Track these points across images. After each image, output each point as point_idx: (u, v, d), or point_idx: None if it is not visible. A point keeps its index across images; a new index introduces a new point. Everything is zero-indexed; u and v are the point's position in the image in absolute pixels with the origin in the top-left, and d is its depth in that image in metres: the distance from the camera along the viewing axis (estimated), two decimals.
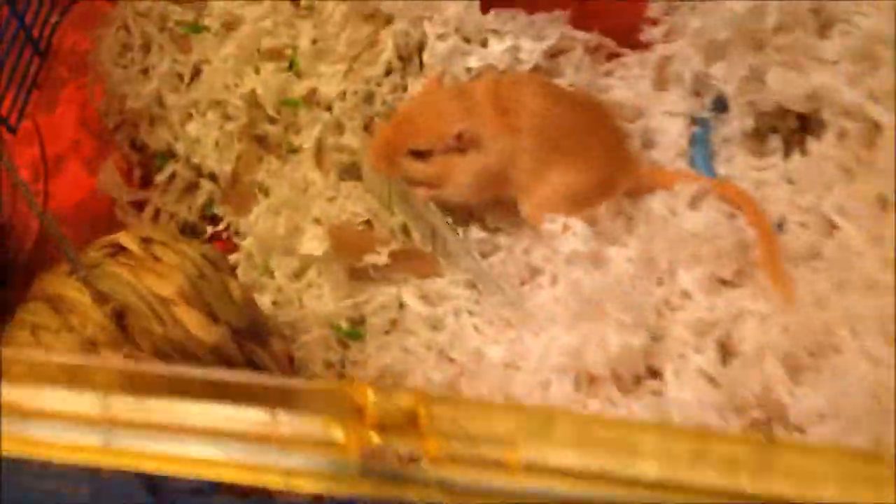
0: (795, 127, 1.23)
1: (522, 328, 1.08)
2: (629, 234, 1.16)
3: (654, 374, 1.07)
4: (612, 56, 1.30)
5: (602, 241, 1.15)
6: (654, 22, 1.26)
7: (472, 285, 1.17)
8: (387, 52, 1.24)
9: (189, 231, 1.29)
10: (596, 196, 1.15)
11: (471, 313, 1.14)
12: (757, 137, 1.23)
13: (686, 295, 1.09)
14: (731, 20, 1.14)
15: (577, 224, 1.12)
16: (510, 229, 1.22)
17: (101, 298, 0.90)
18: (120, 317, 0.91)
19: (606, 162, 1.15)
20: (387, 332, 1.18)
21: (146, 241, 0.97)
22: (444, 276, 1.18)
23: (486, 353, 1.11)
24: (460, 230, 1.19)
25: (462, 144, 1.11)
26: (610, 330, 1.04)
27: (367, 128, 1.23)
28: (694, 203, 1.14)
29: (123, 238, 0.97)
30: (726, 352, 1.05)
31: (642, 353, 1.05)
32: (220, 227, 1.31)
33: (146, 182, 1.33)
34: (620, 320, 1.05)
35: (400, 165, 1.14)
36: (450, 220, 1.18)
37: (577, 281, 1.09)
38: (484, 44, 1.24)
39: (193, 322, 0.92)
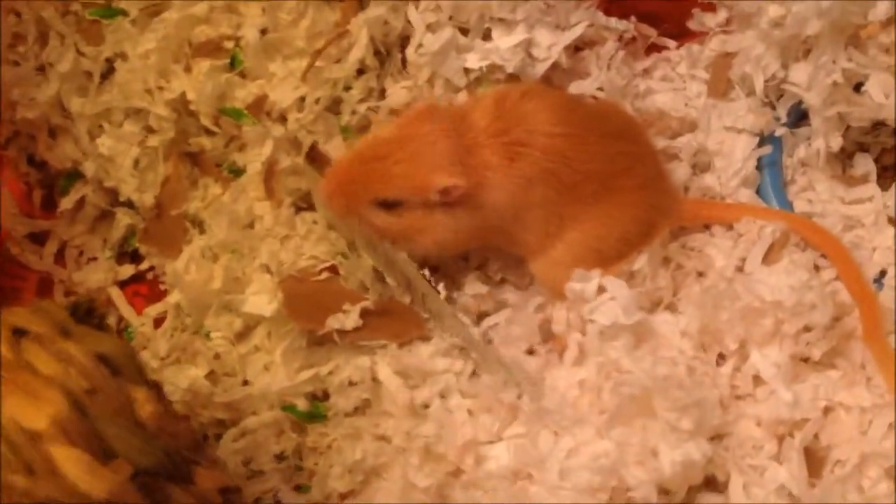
0: (891, 146, 0.94)
1: (536, 422, 0.79)
2: (681, 294, 0.87)
3: (715, 485, 0.83)
4: (653, 49, 1.03)
5: (644, 304, 0.86)
6: (711, 6, 0.96)
7: (465, 355, 0.90)
8: (359, 47, 0.94)
9: (103, 273, 1.04)
10: (626, 249, 0.88)
11: (463, 394, 0.88)
12: (844, 160, 0.94)
13: (759, 381, 0.84)
14: (822, 8, 0.84)
15: (615, 285, 0.82)
16: (519, 280, 0.94)
17: None
18: None
19: (640, 205, 0.88)
20: (356, 413, 0.92)
21: (18, 337, 0.68)
22: (431, 340, 0.92)
23: (487, 455, 0.82)
24: (447, 281, 0.91)
25: (447, 200, 0.83)
26: (659, 435, 0.78)
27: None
28: (768, 254, 0.85)
29: None
30: (814, 460, 0.82)
31: (702, 464, 0.77)
32: (144, 265, 1.05)
33: (48, 207, 1.06)
34: (674, 422, 0.76)
35: (361, 213, 0.86)
36: (426, 272, 0.90)
37: (614, 364, 0.80)
38: (487, 36, 0.95)
39: (74, 467, 0.62)
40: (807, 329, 0.82)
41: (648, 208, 0.88)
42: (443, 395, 0.89)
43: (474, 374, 0.91)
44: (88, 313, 0.76)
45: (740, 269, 0.88)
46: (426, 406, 0.89)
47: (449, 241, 0.87)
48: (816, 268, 0.88)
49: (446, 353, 0.91)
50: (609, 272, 0.86)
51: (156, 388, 0.83)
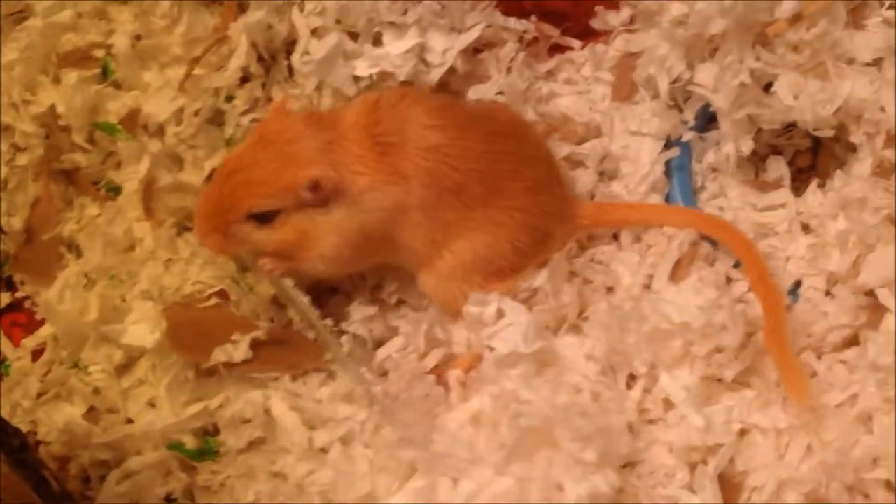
0: (805, 148, 0.90)
1: (432, 471, 0.74)
2: (588, 311, 0.83)
3: None
4: (557, 50, 0.97)
5: (549, 323, 0.81)
6: (615, 4, 0.92)
7: (370, 403, 0.83)
8: (240, 54, 0.87)
9: None
10: (522, 260, 0.83)
11: (365, 445, 0.81)
12: (757, 164, 0.90)
13: (670, 405, 0.79)
14: (726, 6, 0.79)
15: (514, 310, 0.77)
16: (416, 301, 0.88)
17: None
18: None
19: (530, 210, 0.82)
20: (250, 448, 0.85)
21: None
22: (330, 377, 0.85)
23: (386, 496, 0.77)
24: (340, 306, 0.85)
25: (320, 196, 0.77)
26: (563, 468, 0.73)
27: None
28: (676, 270, 0.80)
29: None
30: (729, 487, 0.77)
31: (611, 496, 0.72)
32: (21, 293, 0.97)
33: None
34: (577, 453, 0.71)
35: (238, 236, 0.79)
36: (307, 298, 0.84)
37: (511, 394, 0.75)
38: (378, 41, 0.88)
39: None
40: (718, 350, 0.77)
41: (540, 214, 0.83)
42: (344, 442, 0.82)
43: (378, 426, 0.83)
44: None
45: (648, 287, 0.83)
46: (324, 450, 0.83)
47: (335, 254, 0.80)
48: (728, 280, 0.84)
49: (348, 399, 0.84)
50: (504, 287, 0.81)
51: (20, 437, 0.77)
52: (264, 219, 0.78)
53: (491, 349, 0.78)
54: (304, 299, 0.83)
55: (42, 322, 0.95)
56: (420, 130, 0.78)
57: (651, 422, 0.79)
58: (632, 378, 0.80)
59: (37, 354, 0.93)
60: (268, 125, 0.79)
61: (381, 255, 0.83)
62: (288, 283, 0.82)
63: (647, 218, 0.86)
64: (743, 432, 0.78)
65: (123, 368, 0.88)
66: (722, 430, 0.76)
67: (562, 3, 0.94)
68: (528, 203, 0.81)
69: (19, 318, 0.97)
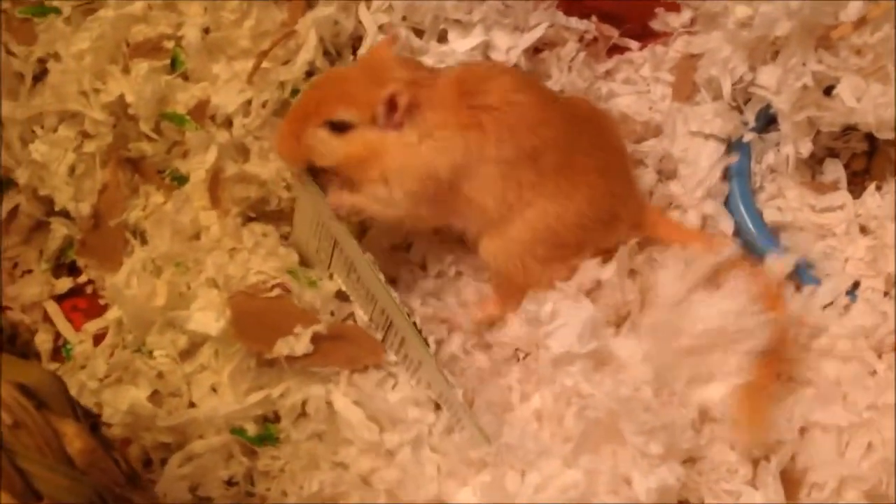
0: (861, 151, 0.91)
1: (501, 463, 0.75)
2: (644, 313, 0.83)
3: None
4: (615, 51, 0.98)
5: (610, 318, 0.82)
6: (675, 6, 0.92)
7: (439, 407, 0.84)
8: (308, 49, 0.88)
9: (39, 286, 0.96)
10: (587, 238, 0.84)
11: (433, 449, 0.81)
12: (813, 166, 0.90)
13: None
14: (791, 8, 0.80)
15: (570, 309, 0.77)
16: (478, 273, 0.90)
17: None
18: None
19: (599, 188, 0.83)
20: (312, 438, 0.86)
21: None
22: (396, 380, 0.86)
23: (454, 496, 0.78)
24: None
25: (394, 116, 0.77)
26: (630, 461, 0.75)
27: None
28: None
29: None
30: (790, 483, 0.78)
31: (678, 488, 0.73)
32: (83, 278, 0.98)
33: None
34: (643, 446, 0.72)
35: (311, 142, 0.79)
36: (382, 277, 0.83)
37: (572, 389, 0.76)
38: (443, 38, 0.89)
39: None
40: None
41: (610, 196, 0.83)
42: (413, 446, 0.82)
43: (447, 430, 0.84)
44: (11, 340, 0.70)
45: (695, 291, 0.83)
46: (391, 453, 0.83)
47: (398, 174, 0.79)
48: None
49: (418, 403, 0.84)
50: (564, 269, 0.82)
51: (91, 417, 0.78)
52: (338, 128, 0.78)
53: (546, 348, 0.80)
54: (387, 286, 0.83)
55: (103, 308, 0.96)
56: (505, 93, 0.79)
57: (713, 419, 0.80)
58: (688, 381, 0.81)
59: (98, 339, 0.94)
60: (370, 53, 0.81)
61: (447, 207, 0.82)
62: (368, 257, 0.82)
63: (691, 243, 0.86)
64: (804, 430, 0.79)
65: (187, 353, 0.89)
66: (784, 428, 0.78)
67: (621, 4, 0.95)
68: (599, 182, 0.82)
69: (80, 303, 0.98)
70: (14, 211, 0.97)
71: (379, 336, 0.87)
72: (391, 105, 0.76)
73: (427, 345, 0.82)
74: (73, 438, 0.64)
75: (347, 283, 0.89)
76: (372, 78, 0.77)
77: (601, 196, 0.83)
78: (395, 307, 0.83)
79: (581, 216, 0.82)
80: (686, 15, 0.95)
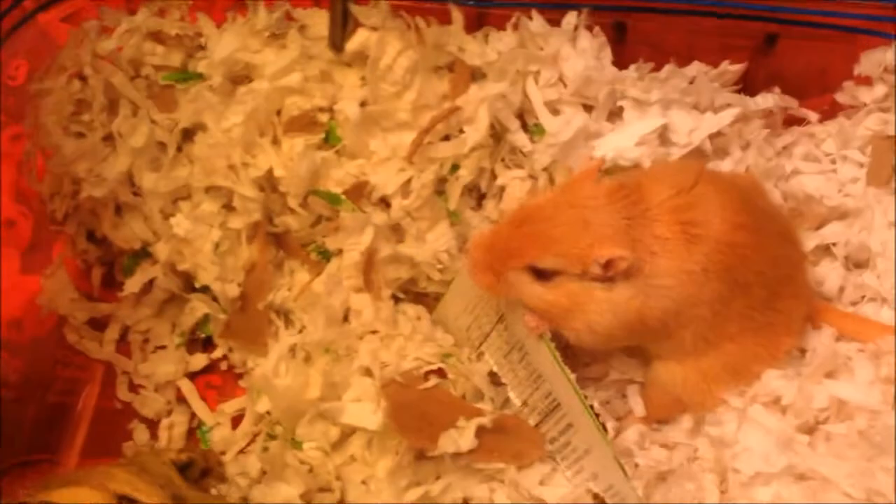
0: None
1: None
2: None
3: None
4: (792, 122, 0.91)
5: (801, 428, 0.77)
6: (866, 79, 0.85)
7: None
8: (478, 129, 0.83)
9: (173, 363, 0.92)
10: (767, 366, 0.80)
11: None
12: None
13: None
14: None
15: (752, 426, 0.74)
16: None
17: None
18: None
19: (795, 317, 0.79)
20: None
21: None
22: (554, 474, 0.81)
23: None
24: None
25: (609, 274, 0.72)
26: None
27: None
28: None
29: None
30: None
31: None
32: (217, 353, 0.93)
33: (109, 285, 0.95)
34: None
35: (511, 283, 0.75)
36: (559, 356, 0.78)
37: None
38: (616, 116, 0.83)
39: None
40: None
41: (798, 320, 0.79)
42: None
43: None
44: (204, 474, 0.65)
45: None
46: None
47: (603, 327, 0.75)
48: None
49: (579, 498, 0.80)
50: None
51: None
52: (543, 275, 0.73)
53: (735, 471, 0.74)
54: (569, 373, 0.78)
55: (237, 385, 0.92)
56: (724, 226, 0.73)
57: None
58: None
59: (235, 421, 0.91)
60: (574, 185, 0.75)
61: (645, 337, 0.78)
62: (554, 351, 0.77)
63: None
64: None
65: (337, 444, 0.84)
66: None
67: (801, 72, 0.90)
68: (793, 307, 0.78)
69: (214, 380, 0.94)
70: (148, 284, 0.92)
71: (532, 422, 0.82)
72: (608, 266, 0.72)
73: (605, 430, 0.77)
74: None
75: (503, 364, 0.84)
76: (583, 225, 0.72)
77: (794, 323, 0.79)
78: (569, 389, 0.77)
79: (772, 348, 0.78)
80: (880, 90, 0.87)
